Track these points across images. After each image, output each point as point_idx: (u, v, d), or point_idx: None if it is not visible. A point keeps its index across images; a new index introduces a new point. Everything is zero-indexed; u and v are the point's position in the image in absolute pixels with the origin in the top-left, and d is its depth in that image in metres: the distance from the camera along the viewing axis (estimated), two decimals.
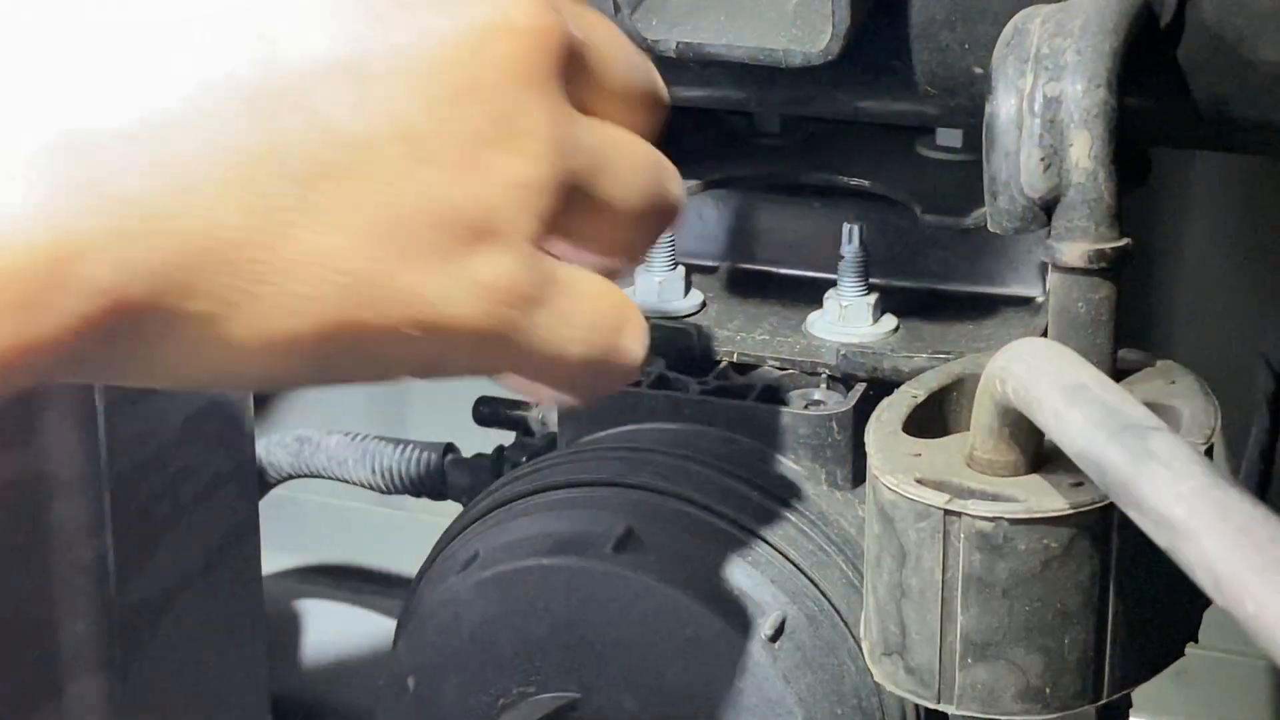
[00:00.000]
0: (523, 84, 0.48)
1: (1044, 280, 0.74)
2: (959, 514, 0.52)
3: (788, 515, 0.68)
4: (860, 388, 0.71)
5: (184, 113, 0.44)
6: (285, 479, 1.00)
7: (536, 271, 0.48)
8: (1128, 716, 0.66)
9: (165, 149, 0.43)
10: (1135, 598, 0.53)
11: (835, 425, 0.69)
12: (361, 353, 0.47)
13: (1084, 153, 0.53)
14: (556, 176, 0.48)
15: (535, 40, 0.48)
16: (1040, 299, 0.74)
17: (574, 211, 0.49)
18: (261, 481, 0.96)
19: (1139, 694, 0.58)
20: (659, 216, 0.52)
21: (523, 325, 0.48)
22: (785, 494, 0.68)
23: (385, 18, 0.46)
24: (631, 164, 0.51)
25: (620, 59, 0.52)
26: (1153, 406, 0.53)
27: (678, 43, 0.63)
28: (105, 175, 0.43)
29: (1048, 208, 0.54)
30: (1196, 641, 0.58)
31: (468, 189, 0.47)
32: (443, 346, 0.48)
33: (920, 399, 0.58)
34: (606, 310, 0.50)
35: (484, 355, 0.49)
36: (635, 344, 0.50)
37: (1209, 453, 0.56)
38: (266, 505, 0.85)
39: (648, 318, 0.51)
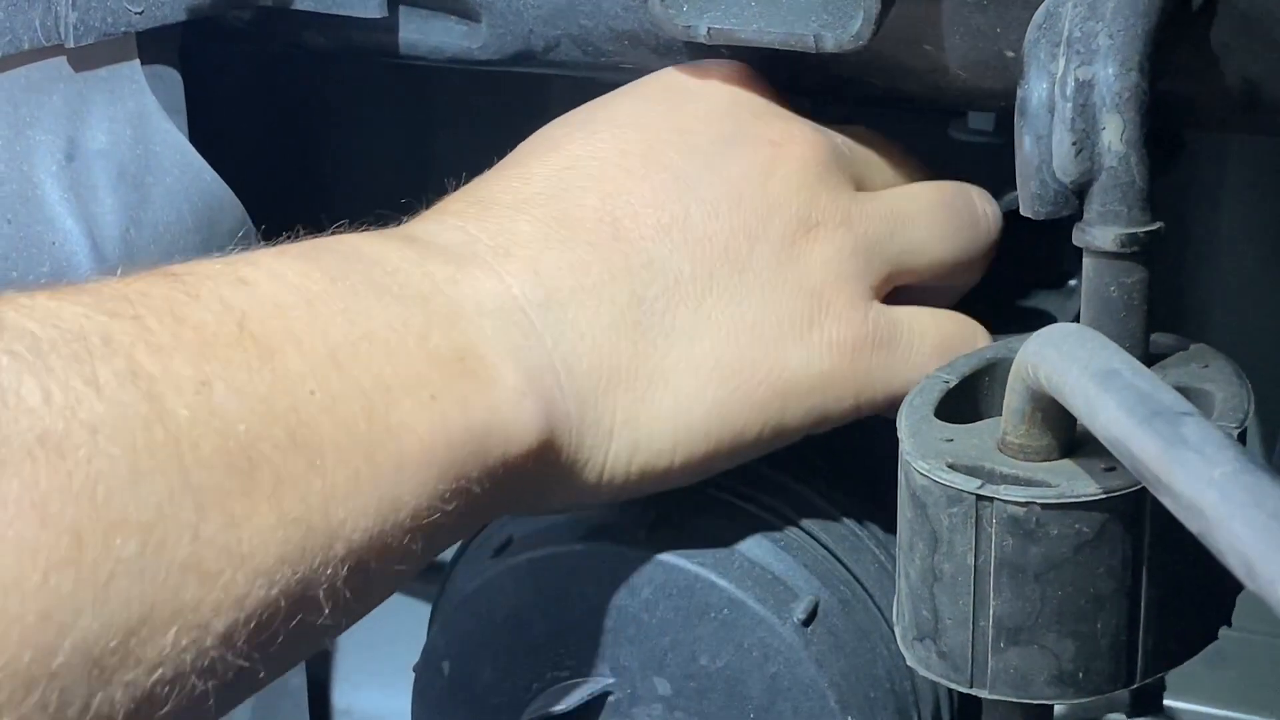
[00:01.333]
0: (807, 187, 0.61)
1: (1077, 264, 0.74)
2: (991, 499, 0.52)
3: (820, 500, 0.68)
4: None
5: (575, 286, 0.57)
6: None
7: (875, 322, 0.61)
8: (1161, 700, 0.66)
9: (568, 313, 0.57)
10: (1168, 582, 0.53)
11: None
12: (754, 426, 0.59)
13: (1116, 136, 0.53)
14: (857, 241, 0.61)
15: (804, 151, 0.61)
16: (1074, 283, 0.74)
17: (896, 266, 0.62)
18: None
19: (1173, 677, 0.58)
20: (970, 240, 0.65)
21: (880, 365, 0.61)
22: (817, 478, 0.68)
23: (694, 180, 0.59)
24: (921, 210, 0.63)
25: (878, 138, 0.66)
26: (1185, 391, 0.53)
27: (709, 28, 0.63)
28: (535, 338, 0.56)
29: (1080, 192, 0.54)
30: (1230, 625, 0.57)
31: (791, 279, 0.59)
32: (820, 399, 0.60)
33: (952, 384, 0.58)
34: (950, 334, 0.62)
35: (858, 396, 0.61)
36: None
37: (1242, 437, 0.55)
38: None
39: None
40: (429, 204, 0.64)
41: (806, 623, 0.63)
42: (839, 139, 0.63)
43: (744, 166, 0.60)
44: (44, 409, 0.43)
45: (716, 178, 0.59)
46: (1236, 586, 0.44)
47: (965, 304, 0.73)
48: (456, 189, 0.64)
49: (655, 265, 0.58)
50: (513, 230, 0.58)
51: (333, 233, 0.58)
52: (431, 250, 0.56)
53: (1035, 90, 0.54)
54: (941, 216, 0.63)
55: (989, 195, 0.66)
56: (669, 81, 0.63)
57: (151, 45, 0.68)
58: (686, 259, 0.58)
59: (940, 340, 0.61)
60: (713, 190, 0.59)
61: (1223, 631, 0.57)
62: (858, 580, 0.66)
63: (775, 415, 0.59)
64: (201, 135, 0.71)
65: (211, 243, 0.69)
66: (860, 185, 0.63)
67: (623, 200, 0.58)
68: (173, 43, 0.70)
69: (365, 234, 0.58)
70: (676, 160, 0.59)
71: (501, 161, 0.64)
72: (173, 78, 0.70)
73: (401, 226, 0.60)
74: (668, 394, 0.58)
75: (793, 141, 0.61)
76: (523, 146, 0.64)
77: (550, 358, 0.56)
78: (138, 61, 0.67)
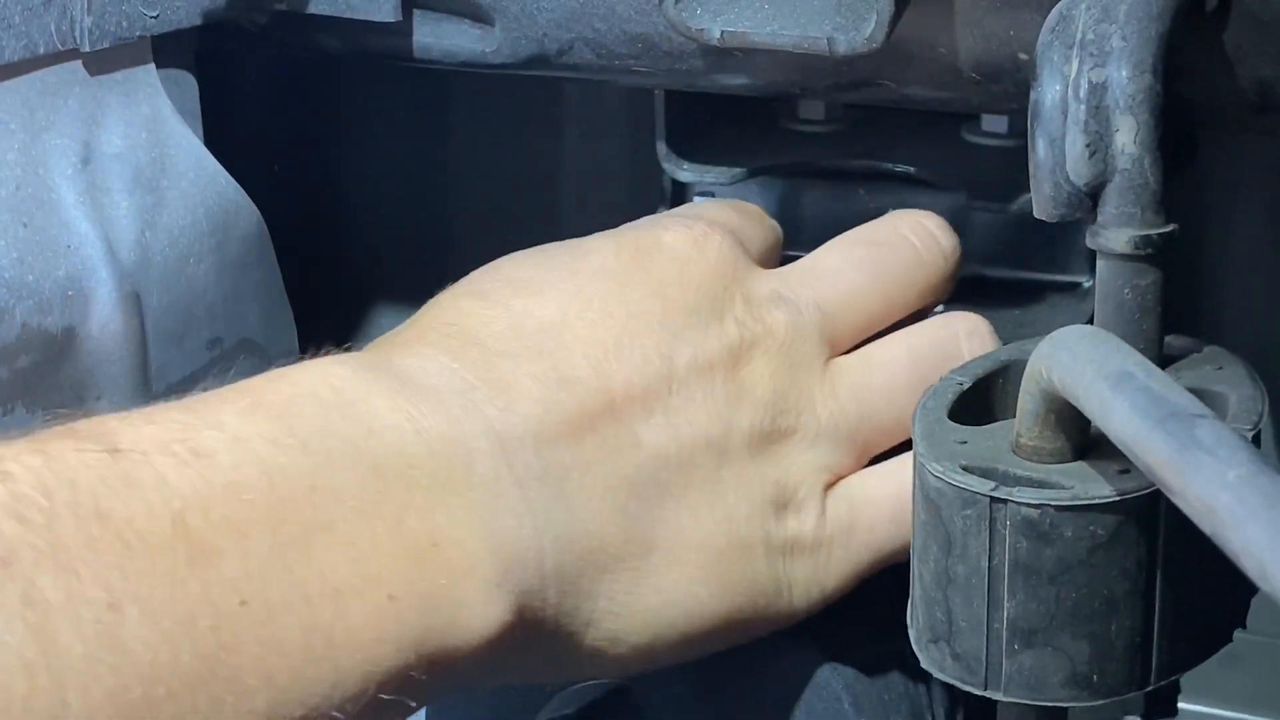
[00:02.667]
0: (780, 374, 0.59)
1: (1091, 266, 0.74)
2: (1005, 501, 0.52)
3: None
4: None
5: (572, 461, 0.54)
6: None
7: (836, 514, 0.60)
8: (1176, 703, 0.66)
9: (564, 489, 0.54)
10: (1183, 584, 0.53)
11: None
12: (731, 624, 0.58)
13: (1130, 139, 0.53)
14: (824, 434, 0.60)
15: (778, 332, 0.60)
16: (1087, 285, 0.74)
17: (865, 445, 0.61)
18: None
19: (1187, 680, 0.58)
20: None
21: (838, 556, 0.61)
22: None
23: (671, 356, 0.57)
24: (894, 381, 0.62)
25: (856, 274, 0.64)
26: (1199, 393, 0.53)
27: (722, 31, 0.63)
28: (526, 518, 0.53)
29: (1093, 194, 0.54)
30: (1245, 628, 0.57)
31: (765, 475, 0.58)
32: (788, 598, 0.59)
33: (966, 386, 0.58)
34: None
35: (823, 590, 0.61)
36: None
37: (1256, 439, 0.55)
38: None
39: None
40: (442, 210, 0.63)
41: None
42: (816, 301, 0.61)
43: (717, 347, 0.58)
44: None
45: (692, 356, 0.58)
46: (1251, 589, 0.44)
47: (978, 307, 0.73)
48: (469, 192, 0.64)
49: (644, 447, 0.56)
50: (512, 385, 0.54)
51: (310, 354, 0.55)
52: (423, 397, 0.52)
53: (1049, 92, 0.54)
54: (920, 384, 0.60)
55: (980, 328, 0.64)
56: (646, 241, 0.61)
57: (166, 49, 0.68)
58: (672, 442, 0.56)
59: (893, 507, 0.60)
60: (689, 370, 0.57)
61: (1237, 634, 0.57)
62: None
63: (750, 614, 0.58)
64: (216, 139, 0.71)
65: (226, 246, 0.69)
66: (835, 348, 0.62)
67: (613, 370, 0.56)
68: (188, 47, 0.70)
69: (353, 362, 0.53)
70: (656, 333, 0.57)
71: (470, 286, 0.60)
72: (188, 82, 0.70)
73: (387, 349, 0.56)
74: (650, 587, 0.56)
75: (767, 320, 0.60)
76: (494, 276, 0.60)
77: (539, 540, 0.53)
78: (153, 66, 0.67)
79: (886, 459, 0.61)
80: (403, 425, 0.51)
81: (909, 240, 0.65)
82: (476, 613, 0.50)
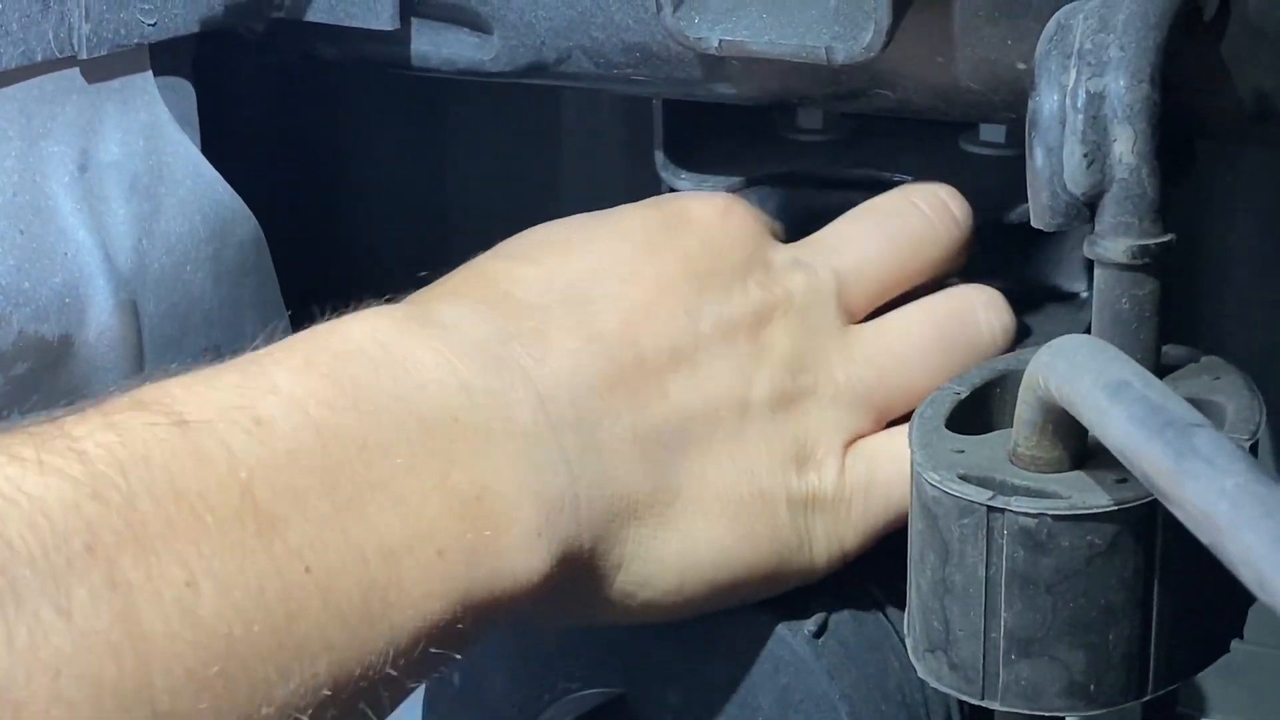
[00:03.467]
0: (800, 336, 0.61)
1: (1089, 276, 0.74)
2: (1002, 510, 0.52)
3: None
4: None
5: (604, 410, 0.56)
6: None
7: (854, 472, 0.62)
8: (1173, 713, 0.66)
9: (596, 437, 0.55)
10: (1180, 594, 0.53)
11: None
12: (754, 574, 0.60)
13: (1127, 148, 0.53)
14: (842, 396, 0.61)
15: (799, 297, 0.61)
16: (1085, 294, 0.74)
17: (883, 409, 0.63)
18: None
19: (1184, 690, 0.57)
20: (970, 364, 0.64)
21: (858, 512, 0.62)
22: None
23: (697, 315, 0.59)
24: (914, 348, 0.63)
25: (872, 237, 0.66)
26: (1197, 402, 0.53)
27: (720, 40, 0.63)
28: (563, 466, 0.54)
29: (1091, 204, 0.54)
30: (1242, 638, 0.57)
31: (785, 432, 0.60)
32: (809, 554, 0.61)
33: (963, 395, 0.58)
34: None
35: (844, 546, 0.63)
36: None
37: (1253, 449, 0.55)
38: None
39: None
40: (440, 219, 0.64)
41: (818, 635, 0.63)
42: (832, 266, 0.63)
43: (740, 309, 0.60)
44: (4, 653, 0.40)
45: (716, 316, 0.60)
46: (1248, 598, 0.44)
47: None
48: (468, 201, 0.65)
49: (670, 400, 0.58)
50: (547, 336, 0.56)
51: (353, 307, 0.56)
52: (466, 349, 0.54)
53: (1046, 102, 0.54)
54: (936, 350, 0.62)
55: (996, 300, 0.66)
56: (672, 209, 0.63)
57: (164, 57, 0.68)
58: (697, 396, 0.58)
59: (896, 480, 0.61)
60: (714, 329, 0.59)
61: (1234, 644, 0.57)
62: (868, 591, 0.66)
63: (773, 565, 0.60)
64: (213, 147, 0.71)
65: (223, 253, 0.69)
66: (852, 314, 0.63)
67: (642, 325, 0.58)
68: (185, 54, 0.70)
69: (396, 315, 0.55)
70: (683, 293, 0.59)
71: (502, 249, 0.62)
72: (185, 89, 0.70)
73: (426, 301, 0.57)
74: (676, 533, 0.57)
75: (786, 284, 0.62)
76: (525, 239, 0.62)
77: (574, 487, 0.54)
78: (150, 73, 0.67)
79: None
80: (446, 380, 0.53)
81: (920, 210, 0.66)
82: (520, 562, 0.52)
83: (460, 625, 0.51)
